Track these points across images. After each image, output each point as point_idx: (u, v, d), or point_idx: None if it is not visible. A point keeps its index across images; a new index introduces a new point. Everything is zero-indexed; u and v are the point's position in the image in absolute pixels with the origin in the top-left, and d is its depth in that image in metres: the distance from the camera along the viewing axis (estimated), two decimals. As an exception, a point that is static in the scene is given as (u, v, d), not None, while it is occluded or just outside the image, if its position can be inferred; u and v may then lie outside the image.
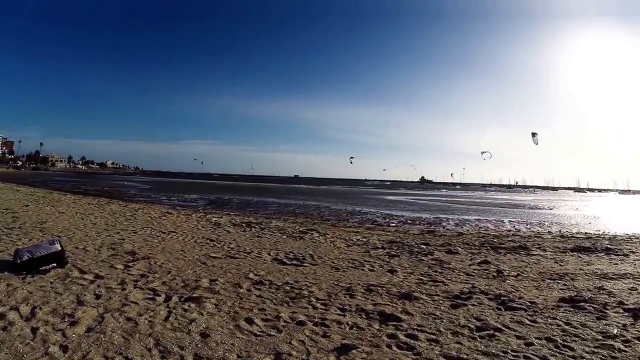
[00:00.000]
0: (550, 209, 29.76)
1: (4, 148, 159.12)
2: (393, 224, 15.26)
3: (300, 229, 10.87)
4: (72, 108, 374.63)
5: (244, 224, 11.36)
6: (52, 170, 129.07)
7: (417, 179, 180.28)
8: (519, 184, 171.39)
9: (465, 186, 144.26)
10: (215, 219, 12.55)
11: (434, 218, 18.70)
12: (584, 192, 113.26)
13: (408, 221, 16.81)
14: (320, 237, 9.59)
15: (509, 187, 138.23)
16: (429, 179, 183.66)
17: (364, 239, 9.61)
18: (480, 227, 15.20)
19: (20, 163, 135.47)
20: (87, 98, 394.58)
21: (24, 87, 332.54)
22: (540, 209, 29.51)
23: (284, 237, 9.43)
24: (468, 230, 13.84)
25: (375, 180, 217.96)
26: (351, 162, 56.91)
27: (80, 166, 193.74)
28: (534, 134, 29.28)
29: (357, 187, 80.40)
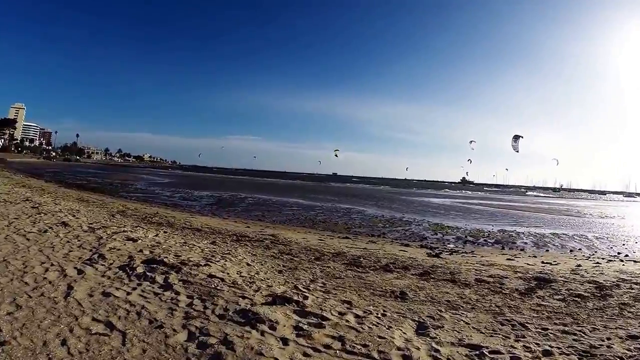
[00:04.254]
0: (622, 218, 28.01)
1: (42, 138, 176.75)
2: (449, 243, 12.15)
3: (283, 264, 6.56)
4: (113, 100, 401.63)
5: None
6: (83, 161, 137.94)
7: (457, 179, 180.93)
8: (564, 187, 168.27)
9: (507, 188, 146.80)
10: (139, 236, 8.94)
11: (499, 232, 15.59)
12: (634, 197, 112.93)
13: (469, 238, 13.57)
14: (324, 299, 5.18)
15: (555, 190, 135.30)
16: (470, 179, 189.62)
17: (418, 289, 5.42)
18: (573, 251, 11.91)
19: (54, 154, 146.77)
20: (128, 92, 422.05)
21: (67, 79, 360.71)
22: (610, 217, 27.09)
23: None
24: (562, 257, 10.15)
25: (414, 179, 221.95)
26: (336, 155, 58.78)
27: (116, 158, 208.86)
28: (516, 138, 28.58)
29: (397, 188, 77.84)
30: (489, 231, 15.46)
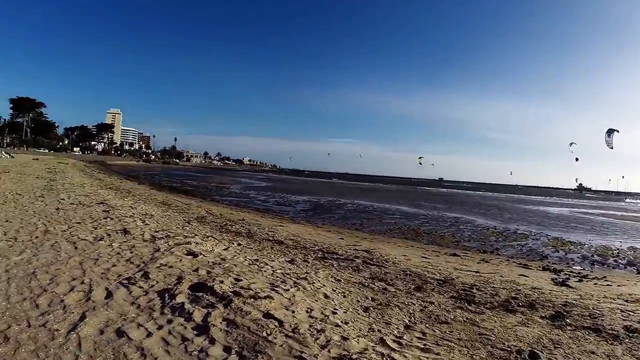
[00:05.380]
0: None
1: (141, 142, 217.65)
2: (574, 263, 12.10)
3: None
4: (210, 104, 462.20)
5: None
6: (182, 164, 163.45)
7: (570, 185, 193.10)
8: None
9: (630, 195, 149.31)
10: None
11: (629, 249, 15.47)
12: None
13: (595, 257, 13.47)
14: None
15: None
16: (587, 186, 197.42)
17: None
18: None
19: (153, 157, 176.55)
20: (225, 94, 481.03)
21: (161, 83, 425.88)
22: None
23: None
24: None
25: (519, 185, 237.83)
26: (420, 163, 65.58)
27: (215, 162, 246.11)
28: (610, 132, 31.21)
29: (504, 194, 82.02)
30: (618, 249, 15.44)
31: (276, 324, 3.49)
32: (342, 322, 3.87)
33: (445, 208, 30.79)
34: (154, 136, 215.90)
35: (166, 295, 4.15)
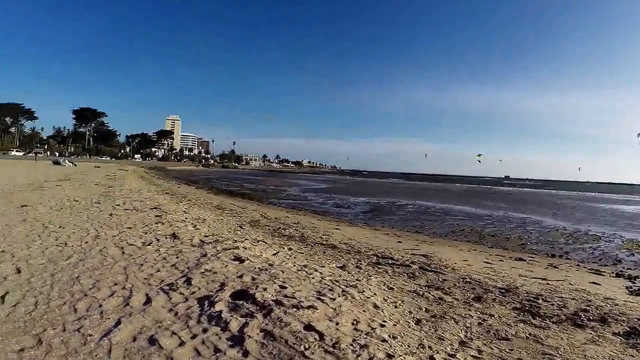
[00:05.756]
0: None
1: (200, 147, 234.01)
2: None
3: None
4: (266, 107, 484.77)
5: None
6: (241, 168, 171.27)
7: None
8: None
9: None
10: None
11: None
12: None
13: None
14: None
15: None
16: None
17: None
18: None
19: (212, 161, 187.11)
20: (277, 97, 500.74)
21: (219, 89, 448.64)
22: None
23: None
24: None
25: (588, 182, 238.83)
26: (479, 161, 69.47)
27: (274, 164, 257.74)
28: None
29: (577, 192, 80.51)
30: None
31: (316, 337, 3.40)
32: (389, 336, 3.69)
33: (511, 208, 30.85)
34: (212, 141, 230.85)
35: (206, 302, 4.21)
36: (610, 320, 5.15)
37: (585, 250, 13.91)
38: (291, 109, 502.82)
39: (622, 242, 16.20)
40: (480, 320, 4.64)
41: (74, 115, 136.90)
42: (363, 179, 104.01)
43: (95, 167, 49.78)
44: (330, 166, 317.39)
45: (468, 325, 4.45)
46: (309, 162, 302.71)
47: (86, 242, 6.94)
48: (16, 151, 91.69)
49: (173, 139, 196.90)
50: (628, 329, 4.85)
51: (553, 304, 5.67)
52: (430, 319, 4.57)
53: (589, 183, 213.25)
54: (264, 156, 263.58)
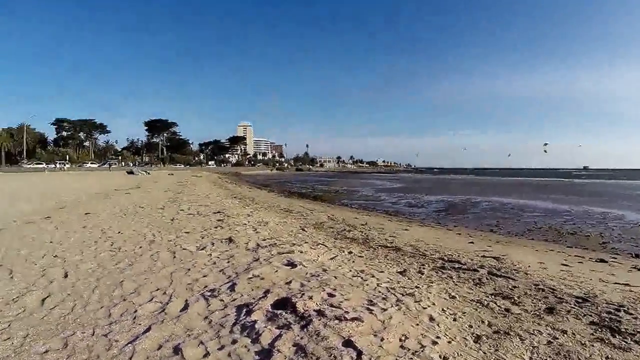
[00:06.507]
0: None
1: (274, 151, 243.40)
2: None
3: None
4: (337, 107, 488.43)
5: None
6: (315, 170, 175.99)
7: None
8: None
9: None
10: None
11: None
12: None
13: None
14: None
15: None
16: None
17: None
18: None
19: (286, 165, 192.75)
20: (350, 97, 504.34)
21: (288, 94, 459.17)
22: None
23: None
24: None
25: None
26: (545, 151, 72.88)
27: (349, 165, 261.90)
28: None
29: None
30: None
31: (354, 355, 3.06)
32: (440, 356, 3.25)
33: (590, 201, 29.93)
34: (285, 144, 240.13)
35: (244, 310, 4.05)
36: None
37: (675, 248, 12.99)
38: (363, 107, 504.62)
39: None
40: (550, 338, 4.04)
41: (146, 127, 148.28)
42: (436, 177, 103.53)
43: (169, 174, 52.89)
44: (405, 165, 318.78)
45: (535, 344, 3.87)
46: (383, 161, 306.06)
47: (140, 247, 7.17)
48: (91, 163, 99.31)
49: (246, 144, 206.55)
50: None
51: (637, 317, 4.92)
52: (492, 335, 4.06)
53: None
54: (338, 157, 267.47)
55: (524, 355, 3.61)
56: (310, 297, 4.34)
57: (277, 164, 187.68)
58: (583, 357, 3.63)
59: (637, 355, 3.79)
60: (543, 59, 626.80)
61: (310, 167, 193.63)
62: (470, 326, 4.19)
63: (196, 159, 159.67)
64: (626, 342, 4.04)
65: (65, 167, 76.26)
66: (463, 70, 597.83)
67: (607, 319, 4.73)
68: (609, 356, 3.69)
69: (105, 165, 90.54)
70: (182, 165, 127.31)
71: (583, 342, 3.97)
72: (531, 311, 4.92)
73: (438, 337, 3.67)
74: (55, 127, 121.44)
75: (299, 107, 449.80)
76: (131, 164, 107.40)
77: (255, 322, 3.71)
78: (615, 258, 10.76)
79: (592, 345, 3.91)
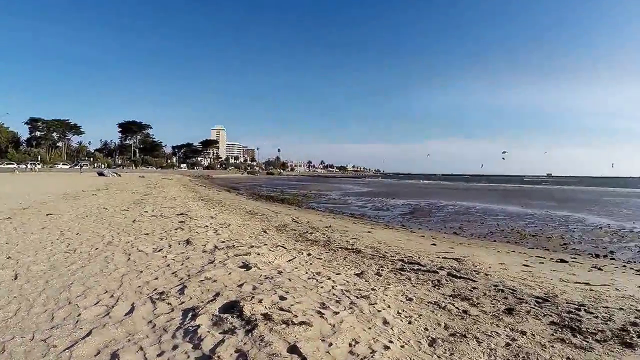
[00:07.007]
0: None
1: (246, 155, 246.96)
2: None
3: None
4: (312, 114, 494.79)
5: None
6: (286, 174, 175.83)
7: None
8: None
9: None
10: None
11: None
12: None
13: None
14: None
15: None
16: None
17: None
18: None
19: (257, 169, 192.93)
20: (325, 102, 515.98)
21: (263, 97, 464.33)
22: None
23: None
24: None
25: (630, 177, 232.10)
26: (503, 158, 70.24)
27: (319, 170, 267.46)
28: None
29: (612, 188, 77.36)
30: None
31: (299, 362, 3.04)
32: (393, 361, 3.27)
33: (553, 206, 30.86)
34: (257, 149, 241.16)
35: (191, 313, 3.99)
36: (665, 336, 4.58)
37: (632, 249, 13.56)
38: (333, 114, 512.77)
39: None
40: (508, 340, 4.08)
41: (120, 129, 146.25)
42: (403, 181, 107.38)
43: (140, 177, 51.93)
44: (374, 170, 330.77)
45: (493, 346, 3.90)
46: (353, 166, 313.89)
47: (96, 249, 7.01)
48: (62, 164, 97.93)
49: (218, 148, 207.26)
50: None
51: (597, 317, 5.08)
52: (448, 338, 4.07)
53: (625, 178, 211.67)
54: (309, 162, 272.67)
55: (480, 358, 3.64)
56: (260, 301, 4.32)
57: (249, 168, 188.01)
58: (542, 359, 3.68)
59: (599, 355, 3.87)
60: (513, 75, 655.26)
61: (281, 171, 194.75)
62: (426, 329, 4.23)
63: (169, 161, 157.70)
64: (587, 342, 4.15)
65: (36, 167, 74.42)
66: (436, 85, 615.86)
67: (567, 319, 4.85)
68: (570, 357, 3.77)
69: (76, 167, 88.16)
70: (154, 168, 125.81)
71: (543, 343, 4.04)
72: (490, 312, 4.98)
73: (391, 342, 3.69)
74: (29, 126, 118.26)
75: (271, 112, 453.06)
76: (102, 166, 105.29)
77: (199, 326, 3.66)
78: (576, 258, 11.05)
79: (552, 346, 3.99)
